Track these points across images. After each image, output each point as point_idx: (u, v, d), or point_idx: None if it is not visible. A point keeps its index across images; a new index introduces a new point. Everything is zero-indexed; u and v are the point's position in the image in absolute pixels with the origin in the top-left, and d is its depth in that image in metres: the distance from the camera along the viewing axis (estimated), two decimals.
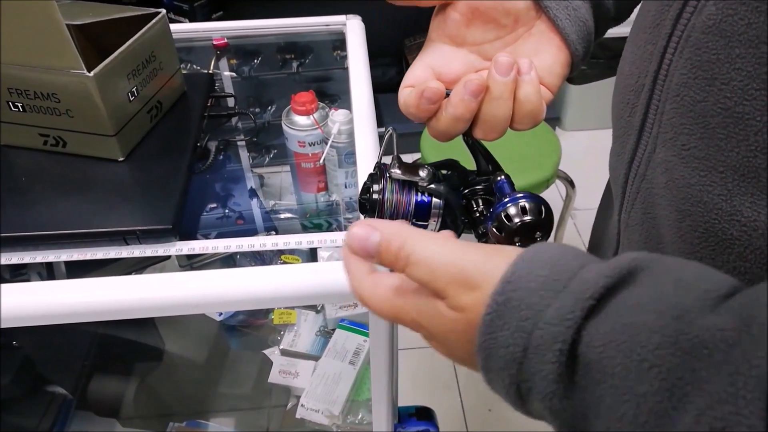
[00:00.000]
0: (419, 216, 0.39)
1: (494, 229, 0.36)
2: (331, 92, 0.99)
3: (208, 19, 1.83)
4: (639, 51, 0.39)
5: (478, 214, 0.39)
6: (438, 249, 0.31)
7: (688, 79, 0.34)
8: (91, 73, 0.53)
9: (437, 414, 0.82)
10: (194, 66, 0.88)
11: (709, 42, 0.32)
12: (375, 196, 0.39)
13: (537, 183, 1.37)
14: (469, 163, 0.42)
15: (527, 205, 0.36)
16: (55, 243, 0.52)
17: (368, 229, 0.32)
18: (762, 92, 0.30)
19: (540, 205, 0.36)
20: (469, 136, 0.39)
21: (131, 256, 0.52)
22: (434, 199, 0.39)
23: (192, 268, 0.83)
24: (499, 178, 0.39)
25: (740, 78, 0.31)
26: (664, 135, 0.36)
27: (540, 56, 0.40)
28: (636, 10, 0.43)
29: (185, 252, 0.53)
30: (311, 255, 0.87)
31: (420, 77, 0.40)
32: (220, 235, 0.81)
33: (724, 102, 0.32)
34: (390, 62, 2.15)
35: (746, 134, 0.31)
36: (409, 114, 0.39)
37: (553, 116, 2.16)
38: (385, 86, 2.12)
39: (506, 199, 0.36)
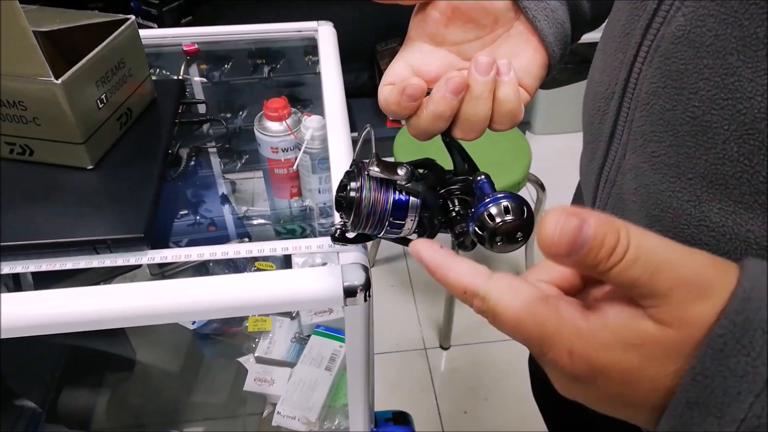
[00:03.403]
0: (396, 215, 0.39)
1: (476, 229, 0.36)
2: (303, 97, 0.99)
3: (177, 23, 1.81)
4: (609, 59, 0.40)
5: (454, 214, 0.39)
6: (659, 243, 0.26)
7: (657, 88, 0.35)
8: (59, 81, 0.52)
9: (414, 418, 0.82)
10: (164, 71, 0.87)
11: (678, 52, 0.33)
12: (352, 193, 0.38)
13: (508, 186, 1.39)
14: (445, 164, 0.42)
15: (509, 205, 0.35)
16: (24, 253, 0.51)
17: (578, 220, 0.25)
18: (729, 102, 0.31)
19: (522, 205, 0.36)
20: (447, 136, 0.39)
21: (102, 265, 0.51)
22: (412, 198, 0.39)
23: (164, 277, 0.82)
24: (479, 178, 0.38)
25: (708, 88, 0.32)
26: (634, 142, 0.37)
27: (518, 57, 0.40)
28: None
29: (157, 261, 0.52)
30: (285, 261, 0.87)
31: (400, 75, 0.40)
32: (192, 242, 0.81)
33: (693, 111, 0.33)
34: (362, 67, 2.16)
35: (714, 143, 0.32)
36: (389, 112, 0.38)
37: (524, 120, 2.19)
38: (357, 91, 2.13)
39: (487, 199, 0.36)
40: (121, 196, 0.57)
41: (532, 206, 1.73)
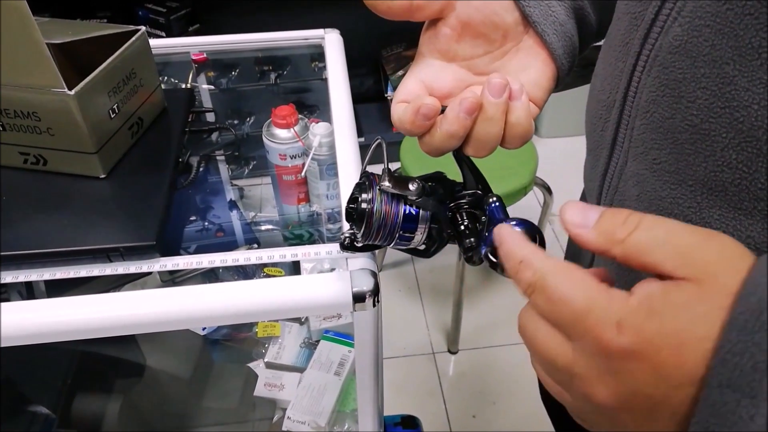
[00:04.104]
0: (407, 227, 0.40)
1: (489, 255, 0.37)
2: (310, 103, 1.00)
3: (185, 31, 1.83)
4: (610, 68, 0.40)
5: (463, 228, 0.40)
6: (659, 216, 0.28)
7: (656, 97, 0.35)
8: (72, 92, 0.53)
9: (422, 422, 0.83)
10: (172, 80, 0.88)
11: (676, 62, 0.33)
12: (364, 205, 0.39)
13: (515, 190, 1.39)
14: (452, 172, 0.43)
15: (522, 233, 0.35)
16: (38, 262, 0.52)
17: (587, 205, 0.30)
18: (726, 110, 0.31)
19: (534, 233, 0.36)
20: (458, 152, 0.40)
21: (115, 273, 0.52)
22: (421, 210, 0.39)
23: (174, 283, 0.83)
24: (491, 200, 0.39)
25: (705, 96, 0.32)
26: (635, 149, 0.38)
27: (528, 71, 0.41)
28: None
29: (169, 268, 0.53)
30: (294, 267, 0.87)
31: (413, 92, 0.40)
32: (201, 248, 0.81)
33: (691, 119, 0.33)
34: (367, 72, 2.17)
35: (713, 150, 0.32)
36: (403, 129, 0.39)
37: None
38: (362, 96, 2.14)
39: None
40: (133, 205, 0.57)
41: (540, 209, 1.72)
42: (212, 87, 0.89)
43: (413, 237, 0.40)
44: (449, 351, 1.63)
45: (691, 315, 0.25)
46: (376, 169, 0.40)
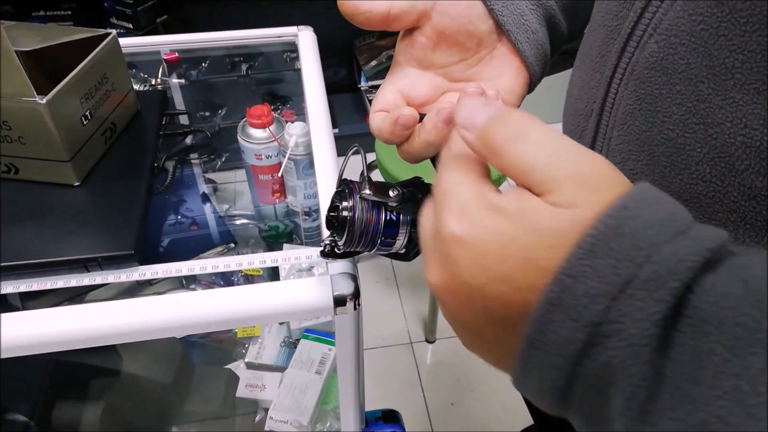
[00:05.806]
0: (388, 233, 0.40)
1: None
2: (283, 94, 0.99)
3: (153, 22, 1.79)
4: (587, 77, 0.41)
5: None
6: (561, 137, 0.27)
7: (633, 110, 0.36)
8: (44, 100, 0.52)
9: (402, 412, 0.84)
10: (141, 74, 0.86)
11: (652, 77, 0.34)
12: (345, 213, 0.39)
13: (492, 179, 1.40)
14: (427, 170, 0.43)
15: None
16: (13, 273, 0.51)
17: (484, 99, 0.29)
18: (701, 127, 0.32)
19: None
20: (437, 158, 0.41)
21: (93, 283, 0.52)
22: (402, 215, 0.40)
23: (150, 284, 0.83)
24: None
25: (681, 112, 0.33)
26: (612, 159, 0.39)
27: (501, 78, 0.42)
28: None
29: (148, 276, 0.53)
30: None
31: (391, 101, 0.41)
32: (175, 242, 0.81)
33: (667, 133, 0.34)
34: (340, 63, 2.16)
35: (688, 164, 0.34)
36: (382, 138, 0.39)
37: None
38: (336, 87, 2.13)
39: None
40: (110, 213, 0.57)
41: None
42: (183, 81, 0.87)
43: (394, 242, 0.41)
44: (427, 340, 1.65)
45: (545, 222, 0.25)
46: (355, 163, 0.40)
